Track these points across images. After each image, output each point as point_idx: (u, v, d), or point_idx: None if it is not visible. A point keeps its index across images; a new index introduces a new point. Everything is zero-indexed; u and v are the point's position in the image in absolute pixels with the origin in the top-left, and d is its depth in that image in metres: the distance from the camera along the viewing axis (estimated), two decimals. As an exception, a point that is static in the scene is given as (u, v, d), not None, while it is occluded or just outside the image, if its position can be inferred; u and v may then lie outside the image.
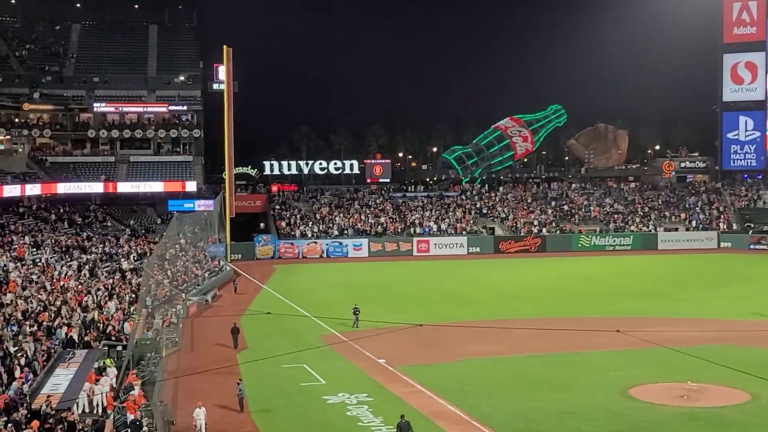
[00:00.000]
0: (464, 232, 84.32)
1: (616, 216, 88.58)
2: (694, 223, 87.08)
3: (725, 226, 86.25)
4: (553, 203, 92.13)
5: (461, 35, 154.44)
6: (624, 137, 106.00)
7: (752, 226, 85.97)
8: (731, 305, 50.43)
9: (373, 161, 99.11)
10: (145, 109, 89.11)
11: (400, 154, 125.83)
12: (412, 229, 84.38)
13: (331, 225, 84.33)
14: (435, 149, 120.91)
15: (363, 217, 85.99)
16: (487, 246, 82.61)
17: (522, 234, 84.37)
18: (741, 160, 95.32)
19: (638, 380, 32.89)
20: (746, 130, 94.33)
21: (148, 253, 61.03)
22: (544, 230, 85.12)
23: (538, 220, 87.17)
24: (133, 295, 46.50)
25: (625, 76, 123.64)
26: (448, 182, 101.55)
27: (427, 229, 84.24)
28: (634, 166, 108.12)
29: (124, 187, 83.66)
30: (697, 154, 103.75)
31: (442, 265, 74.14)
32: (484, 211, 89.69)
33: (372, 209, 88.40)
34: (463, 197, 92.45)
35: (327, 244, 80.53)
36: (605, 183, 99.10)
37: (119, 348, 34.68)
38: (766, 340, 39.19)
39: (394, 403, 30.27)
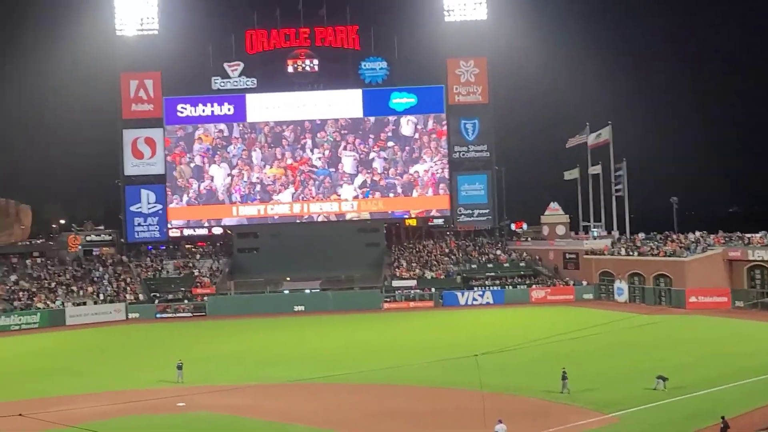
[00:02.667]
0: None
1: (21, 293, 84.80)
2: (102, 296, 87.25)
3: (133, 297, 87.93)
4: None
5: None
6: (27, 212, 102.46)
7: (158, 295, 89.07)
8: (141, 375, 51.27)
9: None
10: None
11: None
12: None
13: None
14: None
15: None
16: None
17: None
18: (145, 231, 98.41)
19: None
20: (148, 203, 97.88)
21: None
22: (-61, 314, 77.86)
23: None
24: None
25: (26, 151, 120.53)
26: None
27: None
28: (39, 241, 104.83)
29: None
30: (102, 227, 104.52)
31: None
32: None
33: None
34: None
35: None
36: (8, 260, 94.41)
37: None
38: (171, 406, 40.40)
39: None
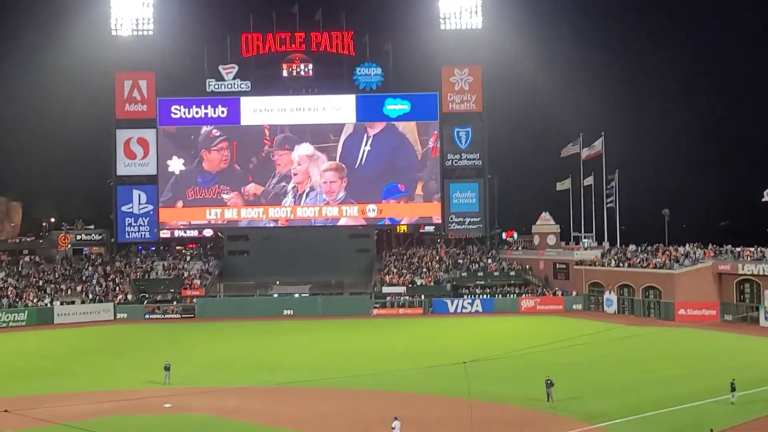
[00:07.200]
0: None
1: (10, 291, 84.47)
2: (90, 296, 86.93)
3: (122, 297, 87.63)
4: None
5: None
6: (18, 209, 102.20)
7: (147, 296, 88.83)
8: (127, 375, 51.13)
9: None
10: None
11: None
12: None
13: None
14: None
15: None
16: None
17: None
18: (136, 232, 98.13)
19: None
20: (140, 204, 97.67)
21: None
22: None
23: None
24: None
25: (18, 148, 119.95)
26: None
27: None
28: (29, 239, 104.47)
29: None
30: (93, 226, 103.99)
31: None
32: None
33: None
34: None
35: None
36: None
37: None
38: (157, 407, 40.23)
39: None
